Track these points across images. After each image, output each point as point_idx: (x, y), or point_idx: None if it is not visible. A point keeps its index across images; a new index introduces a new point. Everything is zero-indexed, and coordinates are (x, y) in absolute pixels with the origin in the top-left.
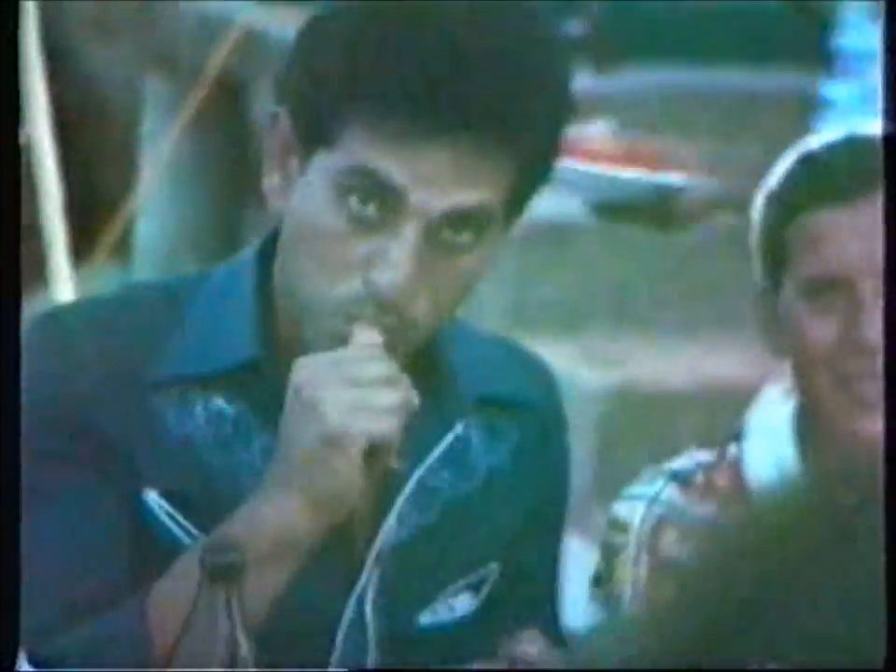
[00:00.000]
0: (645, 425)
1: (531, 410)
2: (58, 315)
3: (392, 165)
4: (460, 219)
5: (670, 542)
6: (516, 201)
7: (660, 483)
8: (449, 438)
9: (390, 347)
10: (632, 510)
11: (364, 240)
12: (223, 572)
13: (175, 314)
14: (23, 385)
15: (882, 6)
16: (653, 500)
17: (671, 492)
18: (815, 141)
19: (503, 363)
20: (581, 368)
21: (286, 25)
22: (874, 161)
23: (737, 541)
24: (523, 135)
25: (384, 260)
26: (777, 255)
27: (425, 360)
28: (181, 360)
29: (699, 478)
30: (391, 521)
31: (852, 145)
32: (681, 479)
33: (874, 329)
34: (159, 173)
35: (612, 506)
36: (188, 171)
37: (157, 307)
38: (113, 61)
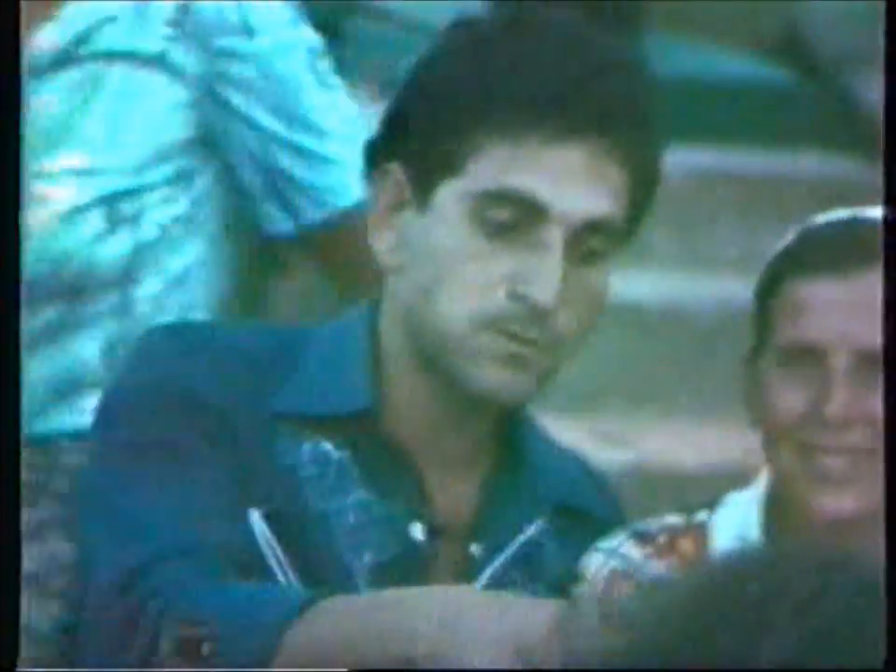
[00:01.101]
0: (657, 504)
1: (603, 523)
2: (187, 325)
3: (532, 181)
4: (596, 228)
5: (622, 595)
6: (635, 213)
7: (620, 538)
8: (525, 535)
9: (535, 364)
10: (591, 561)
11: (506, 256)
12: (193, 645)
13: (289, 357)
14: (152, 379)
15: (882, 5)
16: (611, 553)
17: (630, 547)
18: (820, 218)
19: (579, 474)
20: (595, 446)
21: None
22: (871, 242)
23: (689, 600)
24: (645, 143)
25: (534, 272)
26: (762, 322)
27: (511, 455)
28: (298, 398)
29: (661, 538)
30: None
31: (853, 223)
32: (643, 537)
33: (842, 404)
34: None
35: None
36: None
37: (272, 346)
38: None
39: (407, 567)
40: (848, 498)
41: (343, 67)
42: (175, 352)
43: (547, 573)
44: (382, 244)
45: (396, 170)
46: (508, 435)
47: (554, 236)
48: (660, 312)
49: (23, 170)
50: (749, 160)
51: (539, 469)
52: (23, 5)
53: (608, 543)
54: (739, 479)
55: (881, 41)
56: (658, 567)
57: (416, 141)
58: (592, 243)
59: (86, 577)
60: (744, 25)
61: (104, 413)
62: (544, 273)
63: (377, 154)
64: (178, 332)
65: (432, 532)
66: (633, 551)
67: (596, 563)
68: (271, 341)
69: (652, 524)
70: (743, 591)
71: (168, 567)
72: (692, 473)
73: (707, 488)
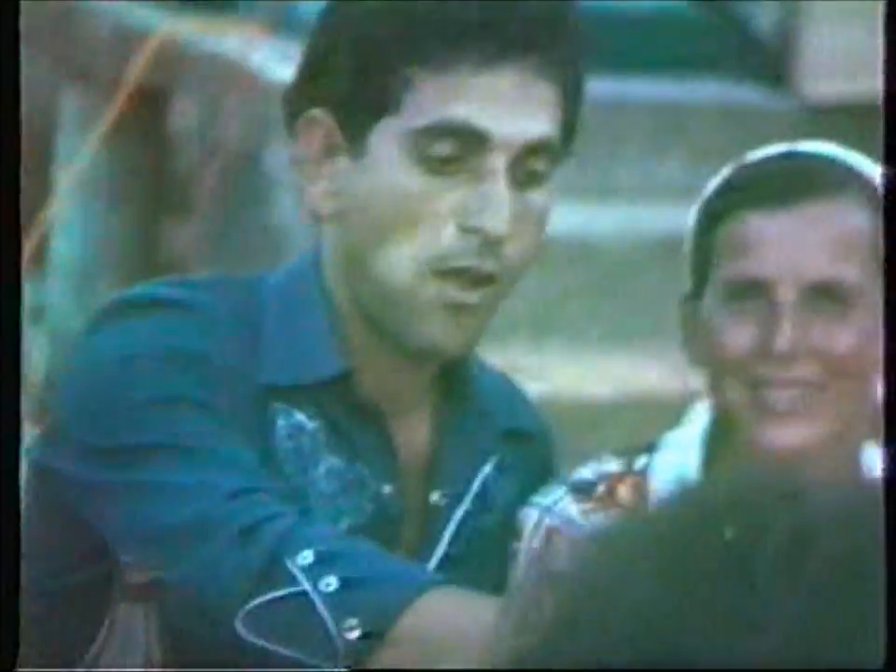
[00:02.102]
0: (568, 436)
1: (540, 443)
2: (152, 292)
3: (469, 110)
4: (537, 149)
5: (557, 553)
6: (568, 131)
7: (558, 493)
8: (482, 475)
9: (493, 296)
10: (527, 518)
11: (451, 190)
12: (143, 589)
13: (250, 319)
14: (148, 338)
15: (882, 6)
16: (547, 510)
17: (567, 503)
18: (755, 153)
19: (515, 396)
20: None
21: (206, 34)
22: (809, 173)
23: (628, 550)
24: (572, 59)
25: (482, 203)
26: (703, 260)
27: (456, 389)
28: (270, 369)
29: (600, 489)
30: (435, 558)
31: (789, 157)
32: (580, 490)
33: (790, 338)
34: (75, 187)
35: (517, 512)
36: (106, 185)
37: (232, 305)
38: (28, 73)
39: (381, 527)
40: (796, 431)
41: (228, 5)
42: (156, 318)
43: (497, 501)
44: (315, 193)
45: (323, 116)
46: (450, 369)
47: (498, 163)
48: (565, 243)
49: (23, 171)
50: (649, 88)
51: (483, 398)
52: (23, 5)
53: (545, 498)
54: (650, 408)
55: (881, 41)
56: (596, 520)
57: (342, 84)
58: (533, 165)
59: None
60: None
61: (115, 378)
62: (493, 202)
63: (299, 102)
64: (151, 298)
65: (401, 488)
66: (570, 507)
67: (533, 519)
68: (229, 299)
69: (590, 471)
70: (709, 539)
71: (264, 506)
72: (603, 403)
73: (619, 418)
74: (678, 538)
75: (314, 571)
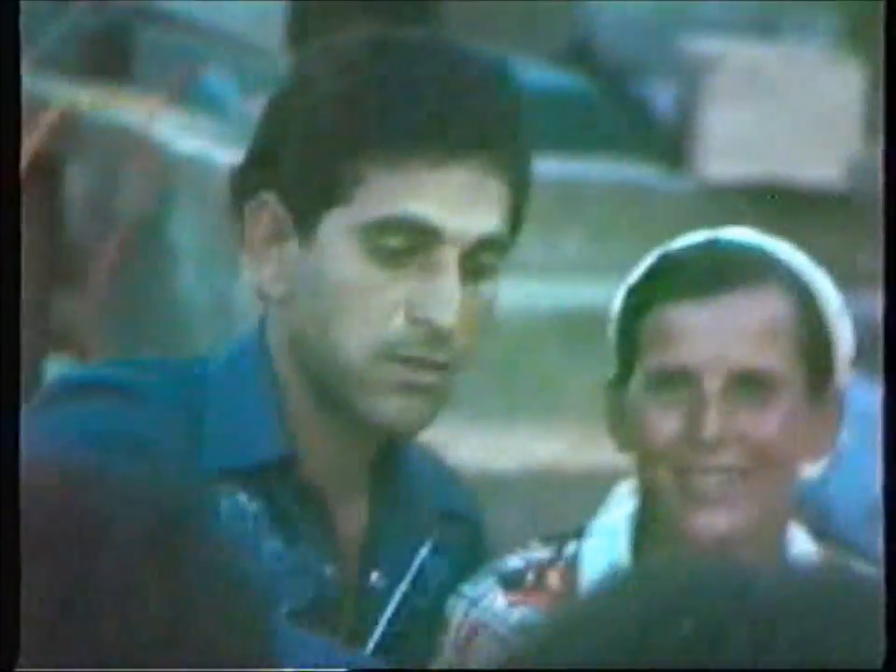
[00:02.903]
0: (544, 507)
1: (472, 524)
2: (88, 375)
3: (421, 206)
4: (487, 244)
5: (482, 647)
6: (515, 224)
7: (486, 584)
8: (420, 557)
9: (444, 380)
10: (454, 608)
11: (400, 282)
12: None
13: (193, 401)
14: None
15: (882, 6)
16: (473, 603)
17: (494, 595)
18: (677, 242)
19: (447, 478)
20: None
21: (106, 106)
22: (731, 263)
23: (549, 641)
24: (520, 155)
25: (432, 295)
26: (629, 348)
27: (391, 471)
28: (215, 451)
29: (529, 577)
30: (373, 640)
31: (712, 247)
32: (510, 579)
33: (717, 425)
34: None
35: (447, 601)
36: None
37: (174, 388)
38: None
39: (322, 609)
40: (723, 518)
41: (132, 75)
42: (96, 403)
43: (430, 584)
44: (262, 275)
45: (272, 200)
46: (387, 452)
47: (449, 258)
48: None
49: (23, 167)
50: (549, 165)
51: (418, 479)
52: (23, 5)
53: (473, 590)
54: (552, 481)
55: (881, 39)
56: (522, 613)
57: (292, 172)
58: (483, 258)
59: None
60: (533, 36)
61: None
62: (442, 295)
63: (247, 184)
64: (86, 381)
65: (341, 569)
66: (497, 599)
67: (459, 612)
68: (171, 381)
69: (519, 559)
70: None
71: None
72: (505, 476)
73: (521, 490)
74: (625, 629)
75: None
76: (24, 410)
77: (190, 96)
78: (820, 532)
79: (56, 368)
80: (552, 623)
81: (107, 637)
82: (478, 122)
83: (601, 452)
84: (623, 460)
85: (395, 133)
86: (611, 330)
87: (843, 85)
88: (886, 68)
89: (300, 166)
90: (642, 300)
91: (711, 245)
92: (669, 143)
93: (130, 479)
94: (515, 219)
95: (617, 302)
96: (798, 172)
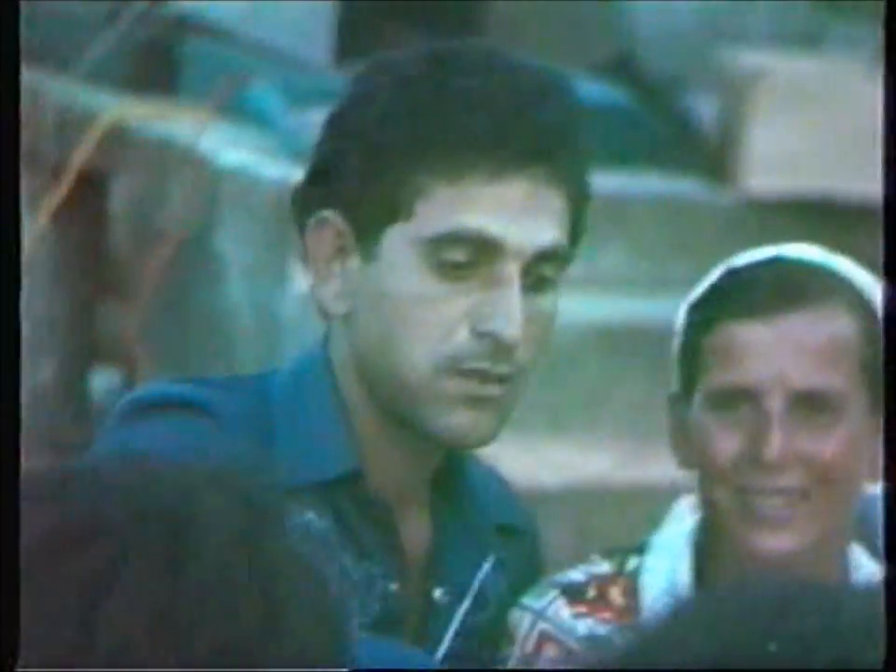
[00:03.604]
0: (593, 522)
1: (529, 538)
2: (166, 393)
3: (482, 219)
4: (547, 256)
5: (549, 659)
6: (575, 236)
7: (549, 596)
8: (482, 573)
9: (510, 392)
10: (520, 621)
11: (463, 295)
12: None
13: (261, 420)
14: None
15: (882, 6)
16: (539, 614)
17: (558, 606)
18: (742, 258)
19: (505, 492)
20: None
21: (153, 118)
22: (796, 282)
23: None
24: (579, 167)
25: (495, 308)
26: (692, 364)
27: (453, 485)
28: (286, 469)
29: (591, 591)
30: (439, 655)
31: (777, 264)
32: (571, 593)
33: (779, 447)
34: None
35: (508, 613)
36: (47, 266)
37: (243, 407)
38: None
39: (387, 625)
40: (785, 539)
41: (178, 88)
42: (174, 421)
43: (490, 598)
44: (325, 292)
45: (334, 217)
46: (448, 467)
47: (511, 270)
48: None
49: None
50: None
51: (477, 494)
52: (23, 5)
53: (537, 602)
54: (595, 496)
55: (881, 40)
56: (586, 627)
57: (353, 188)
58: (543, 271)
59: None
60: (575, 47)
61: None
62: (506, 308)
63: (309, 201)
64: (159, 399)
65: (405, 585)
66: (562, 611)
67: (525, 624)
68: (241, 399)
69: (581, 573)
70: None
71: None
72: (549, 491)
73: (564, 506)
74: (715, 651)
75: None
76: (100, 429)
77: (237, 109)
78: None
79: (102, 380)
80: (634, 643)
81: (206, 637)
82: (536, 134)
83: (644, 468)
84: (667, 476)
85: (454, 146)
86: (674, 346)
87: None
88: (886, 68)
89: (360, 182)
90: (705, 316)
91: (775, 261)
92: (712, 157)
93: (217, 478)
94: (574, 232)
95: (680, 318)
96: (842, 186)
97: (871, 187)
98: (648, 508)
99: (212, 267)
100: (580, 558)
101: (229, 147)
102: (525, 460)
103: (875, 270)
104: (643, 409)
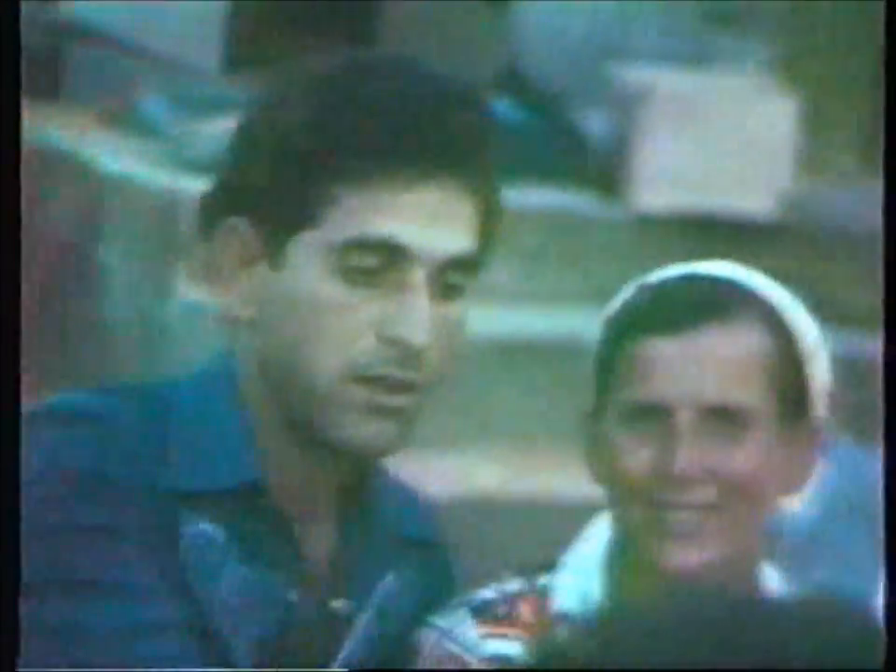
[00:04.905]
0: (484, 535)
1: (440, 552)
2: (60, 404)
3: (392, 226)
4: (456, 264)
5: None
6: (485, 245)
7: (458, 615)
8: (385, 584)
9: (416, 401)
10: (426, 640)
11: (371, 302)
12: None
13: (157, 425)
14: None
15: (882, 6)
16: (445, 634)
17: (467, 626)
18: (655, 275)
19: (414, 506)
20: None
21: (35, 123)
22: (706, 297)
23: None
24: (491, 176)
25: (402, 314)
26: (605, 380)
27: (359, 496)
28: (179, 474)
29: (501, 609)
30: (337, 665)
31: (688, 280)
32: (481, 611)
33: (688, 461)
34: None
35: (415, 630)
36: None
37: (138, 412)
38: None
39: (286, 635)
40: (695, 554)
41: (63, 95)
42: (62, 433)
43: (393, 613)
44: (230, 298)
45: (242, 225)
46: (356, 477)
47: (419, 277)
48: None
49: (22, 170)
50: None
51: (385, 506)
52: (23, 5)
53: (445, 620)
54: (482, 508)
55: (881, 40)
56: (496, 646)
57: (262, 195)
58: (452, 278)
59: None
60: (467, 62)
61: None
62: (413, 314)
63: (216, 208)
64: (56, 411)
65: (306, 594)
66: (470, 631)
67: (431, 642)
68: (135, 406)
69: (492, 591)
70: None
71: (154, 646)
72: (439, 503)
73: (453, 517)
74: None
75: None
76: None
77: (123, 117)
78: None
79: None
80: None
81: None
82: (448, 143)
83: (535, 481)
84: (562, 489)
85: (365, 153)
86: (590, 362)
87: (776, 116)
88: (886, 68)
89: (269, 189)
90: (618, 332)
91: (687, 277)
92: (603, 171)
93: None
94: (486, 240)
95: (595, 333)
96: (730, 202)
97: (758, 203)
98: (540, 520)
99: (94, 277)
100: (472, 569)
101: (113, 155)
102: (416, 472)
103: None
104: (535, 421)
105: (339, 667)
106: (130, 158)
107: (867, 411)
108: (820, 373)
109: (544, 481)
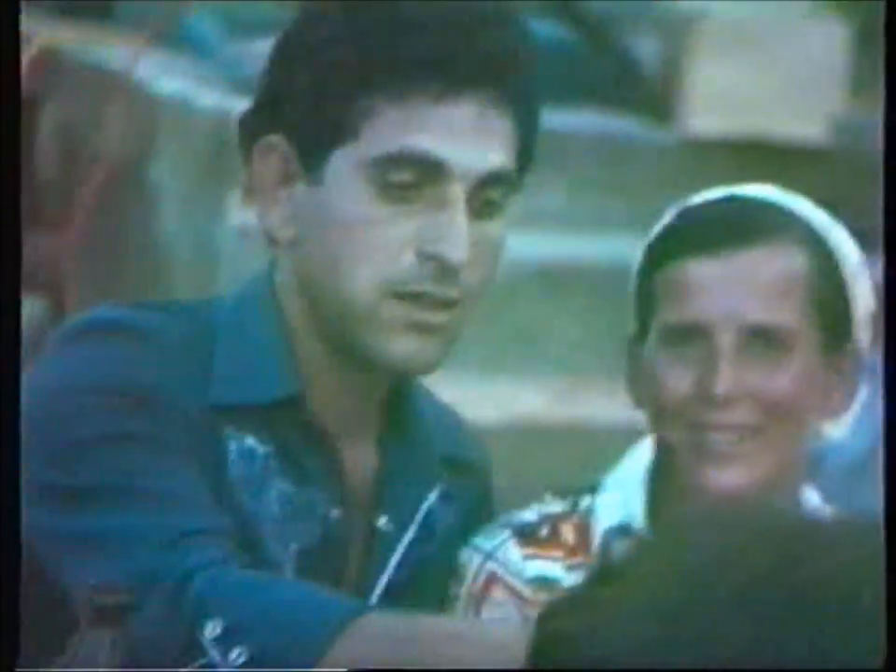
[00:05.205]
0: (528, 459)
1: (480, 474)
2: (107, 317)
3: (428, 140)
4: (493, 180)
5: (498, 600)
6: (523, 162)
7: (501, 536)
8: (428, 503)
9: (455, 319)
10: (469, 561)
11: (409, 218)
12: (111, 613)
13: (201, 342)
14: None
15: (882, 5)
16: (489, 555)
17: (509, 547)
18: (697, 198)
19: (457, 425)
20: None
21: (87, 44)
22: (748, 219)
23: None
24: (527, 91)
25: (441, 231)
26: (646, 304)
27: (402, 415)
28: (223, 390)
29: (543, 531)
30: (381, 584)
31: (730, 202)
32: (523, 533)
33: (729, 382)
34: None
35: (458, 551)
36: None
37: (183, 328)
38: None
39: (329, 551)
40: (735, 475)
41: (115, 14)
42: (108, 346)
43: (436, 530)
44: (272, 218)
45: (280, 142)
46: (396, 395)
47: (457, 192)
48: None
49: (23, 172)
50: None
51: (426, 426)
52: (23, 5)
53: (488, 542)
54: (530, 434)
55: (881, 41)
56: (538, 567)
57: (300, 111)
58: (490, 195)
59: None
60: None
61: (47, 410)
62: (451, 230)
63: (255, 127)
64: (102, 325)
65: (348, 512)
66: (512, 552)
67: (474, 565)
68: (181, 322)
69: (533, 513)
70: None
71: (201, 551)
72: (484, 427)
73: (501, 441)
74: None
75: (223, 643)
76: (40, 355)
77: (175, 37)
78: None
79: (27, 309)
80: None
81: None
82: (485, 57)
83: (580, 405)
84: (605, 414)
85: (401, 67)
86: (631, 286)
87: (827, 41)
88: (886, 67)
89: (306, 105)
90: (659, 255)
91: (728, 200)
92: (653, 96)
93: None
94: (523, 157)
95: (637, 258)
96: (781, 127)
97: (809, 128)
98: (582, 445)
99: (147, 195)
100: (514, 493)
101: (166, 75)
102: (461, 396)
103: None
104: (579, 347)
105: (382, 586)
106: (182, 78)
107: None
108: (863, 298)
109: (588, 405)
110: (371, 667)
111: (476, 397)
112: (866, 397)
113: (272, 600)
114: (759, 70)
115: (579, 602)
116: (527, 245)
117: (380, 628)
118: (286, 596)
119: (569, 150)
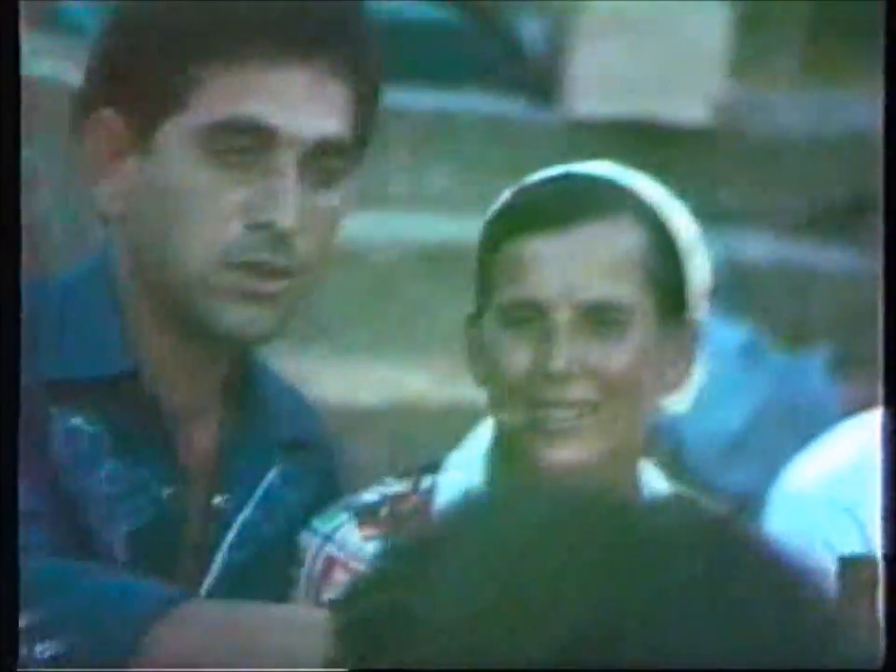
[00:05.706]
0: (410, 440)
1: (325, 455)
2: None
3: (258, 106)
4: (328, 149)
5: (338, 583)
6: (362, 133)
7: (339, 519)
8: (266, 482)
9: (292, 289)
10: (308, 544)
11: (239, 186)
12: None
13: (31, 318)
14: None
15: (882, 5)
16: (327, 538)
17: (348, 530)
18: (533, 176)
19: (301, 406)
20: None
21: None
22: (582, 195)
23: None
24: (366, 59)
25: (270, 198)
26: (485, 282)
27: (243, 395)
28: (53, 364)
29: (384, 511)
30: (217, 563)
31: (565, 179)
32: (363, 514)
33: (565, 359)
34: None
35: (299, 536)
36: None
37: (30, 306)
38: None
39: (162, 529)
40: (574, 451)
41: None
42: None
43: (278, 510)
44: (101, 193)
45: (110, 116)
46: (239, 375)
47: (287, 159)
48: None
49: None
50: (416, 97)
51: (270, 406)
52: (23, 5)
53: (326, 525)
54: (415, 415)
55: (882, 41)
56: (376, 547)
57: (130, 84)
58: (325, 163)
59: None
60: None
61: None
62: (280, 197)
63: (87, 102)
64: None
65: (184, 490)
66: (351, 534)
67: (314, 547)
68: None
69: (374, 494)
70: None
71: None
72: (367, 408)
73: (384, 424)
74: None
75: (32, 636)
76: None
77: (49, 20)
78: (672, 470)
79: None
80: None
81: None
82: (318, 24)
83: (461, 387)
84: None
85: (230, 33)
86: (473, 266)
87: (708, 24)
88: (886, 67)
89: (135, 76)
90: (497, 234)
91: (565, 178)
92: (539, 77)
93: None
94: (362, 128)
95: (478, 237)
96: (664, 108)
97: (690, 110)
98: (464, 427)
99: (24, 178)
100: (394, 474)
101: (40, 57)
102: (344, 377)
103: (687, 190)
104: (462, 329)
105: (220, 567)
106: (56, 59)
107: (802, 319)
108: (699, 273)
109: (473, 387)
110: (190, 658)
111: (360, 378)
112: (738, 380)
113: (82, 592)
114: (642, 52)
115: (389, 578)
116: (412, 226)
117: (197, 618)
118: (94, 590)
119: (455, 131)
